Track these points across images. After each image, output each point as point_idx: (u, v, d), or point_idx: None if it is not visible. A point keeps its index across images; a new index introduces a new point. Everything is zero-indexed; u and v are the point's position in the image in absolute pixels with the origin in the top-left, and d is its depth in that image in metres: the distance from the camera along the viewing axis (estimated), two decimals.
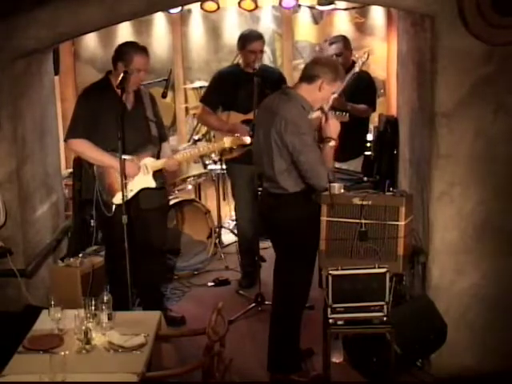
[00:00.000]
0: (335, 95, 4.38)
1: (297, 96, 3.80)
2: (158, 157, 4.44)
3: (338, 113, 4.84)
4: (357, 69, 4.48)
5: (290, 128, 3.68)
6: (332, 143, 3.86)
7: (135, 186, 4.32)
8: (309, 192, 3.84)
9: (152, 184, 4.36)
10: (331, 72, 3.78)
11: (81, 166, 4.45)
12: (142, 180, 4.33)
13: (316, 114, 4.63)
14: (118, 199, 4.23)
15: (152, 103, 4.50)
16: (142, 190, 4.35)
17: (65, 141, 4.42)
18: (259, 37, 5.11)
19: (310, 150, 3.71)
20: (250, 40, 5.06)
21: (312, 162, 3.71)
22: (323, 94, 3.81)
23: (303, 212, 3.85)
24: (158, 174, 4.40)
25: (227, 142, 4.47)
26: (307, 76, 3.81)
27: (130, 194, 4.26)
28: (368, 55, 4.62)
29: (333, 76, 3.78)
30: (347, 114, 4.40)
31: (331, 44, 5.45)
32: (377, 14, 6.67)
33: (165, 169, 4.48)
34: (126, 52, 4.24)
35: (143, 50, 4.29)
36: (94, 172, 4.29)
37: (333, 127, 3.86)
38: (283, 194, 3.82)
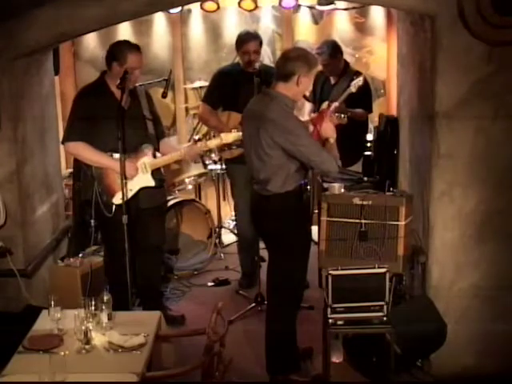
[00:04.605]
0: (336, 104, 4.41)
1: (278, 96, 3.77)
2: (156, 155, 4.44)
3: (337, 115, 4.85)
4: (353, 89, 4.54)
5: (279, 129, 3.68)
6: (331, 140, 3.90)
7: (134, 185, 4.32)
8: (298, 192, 3.83)
9: (151, 183, 4.36)
10: (304, 64, 3.74)
11: (80, 166, 4.44)
12: (141, 179, 4.33)
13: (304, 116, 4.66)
14: (117, 199, 4.23)
15: (148, 101, 4.51)
16: (141, 189, 4.36)
17: (62, 143, 4.42)
18: (253, 37, 5.08)
19: (306, 141, 3.71)
20: (243, 41, 5.05)
21: (313, 150, 3.71)
22: (302, 86, 3.79)
23: (293, 213, 3.85)
24: (156, 173, 4.40)
25: (225, 137, 4.46)
26: (282, 75, 3.76)
27: (129, 194, 4.25)
28: (364, 79, 4.69)
29: (307, 67, 3.75)
30: (346, 117, 4.43)
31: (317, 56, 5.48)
32: (377, 14, 6.67)
33: (167, 166, 4.46)
34: (119, 51, 4.24)
35: (136, 48, 4.30)
36: (92, 173, 4.29)
37: (328, 130, 3.91)
38: (273, 195, 3.81)
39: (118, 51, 4.24)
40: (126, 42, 4.39)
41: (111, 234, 4.37)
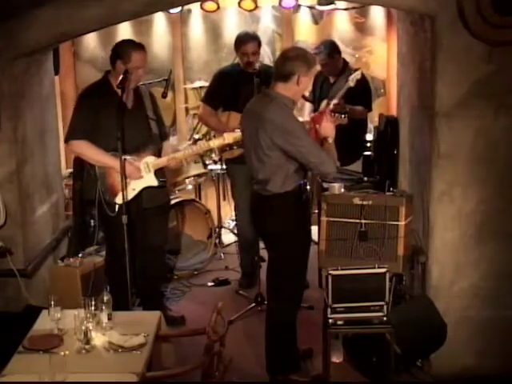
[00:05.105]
0: (335, 101, 4.41)
1: (277, 96, 3.76)
2: (159, 155, 4.44)
3: (337, 115, 4.85)
4: (351, 83, 4.53)
5: (279, 130, 3.67)
6: (330, 140, 3.88)
7: (137, 185, 4.32)
8: (298, 192, 3.83)
9: (154, 182, 4.37)
10: (303, 64, 3.72)
11: (82, 166, 4.44)
12: (144, 179, 4.34)
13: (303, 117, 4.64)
14: (120, 199, 4.22)
15: (152, 102, 4.51)
16: (144, 188, 4.36)
17: (65, 142, 4.42)
18: (251, 38, 5.06)
19: (306, 142, 3.70)
20: (241, 42, 5.04)
21: (312, 151, 3.70)
22: (302, 86, 3.78)
23: (293, 213, 3.84)
24: (159, 173, 4.40)
25: (227, 137, 4.47)
26: (281, 75, 3.75)
27: (132, 194, 4.27)
28: (362, 73, 4.68)
29: (306, 67, 3.73)
30: (346, 117, 4.44)
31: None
32: (377, 14, 6.67)
33: (169, 165, 4.48)
34: (123, 50, 4.24)
35: (141, 47, 4.30)
36: (95, 172, 4.29)
37: (328, 129, 3.89)
38: (272, 195, 3.80)
39: (122, 50, 4.25)
40: (130, 41, 4.41)
41: (113, 233, 4.36)
